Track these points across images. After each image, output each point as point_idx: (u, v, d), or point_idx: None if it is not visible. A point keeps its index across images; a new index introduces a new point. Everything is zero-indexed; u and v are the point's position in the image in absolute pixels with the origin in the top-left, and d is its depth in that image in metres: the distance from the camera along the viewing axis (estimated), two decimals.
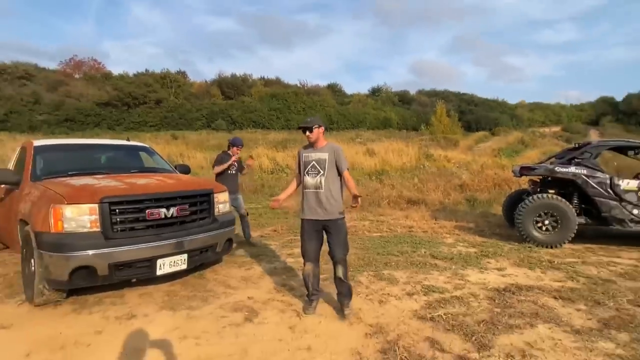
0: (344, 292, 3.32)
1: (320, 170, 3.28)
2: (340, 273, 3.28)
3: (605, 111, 60.58)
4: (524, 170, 6.26)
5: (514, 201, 6.68)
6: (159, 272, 3.62)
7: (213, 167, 5.58)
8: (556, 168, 5.86)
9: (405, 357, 2.67)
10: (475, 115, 52.75)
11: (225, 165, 5.42)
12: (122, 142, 5.60)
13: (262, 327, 3.18)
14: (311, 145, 3.40)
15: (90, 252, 3.27)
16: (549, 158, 6.77)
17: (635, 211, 5.51)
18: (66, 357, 2.71)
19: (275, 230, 6.92)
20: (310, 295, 3.45)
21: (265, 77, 56.41)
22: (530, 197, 5.83)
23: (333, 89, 57.18)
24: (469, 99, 60.36)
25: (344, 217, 3.37)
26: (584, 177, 5.68)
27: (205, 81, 52.77)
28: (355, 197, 3.20)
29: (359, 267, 4.66)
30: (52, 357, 2.70)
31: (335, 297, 3.49)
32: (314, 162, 3.31)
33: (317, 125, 3.32)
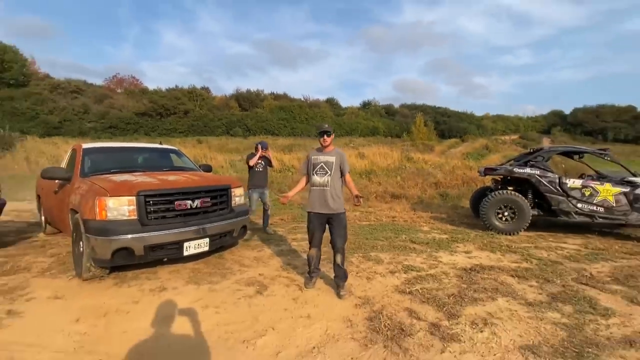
0: (340, 276, 3.26)
1: (328, 171, 3.20)
2: (338, 260, 3.23)
3: (556, 122, 60.27)
4: (488, 171, 6.25)
5: (479, 196, 6.67)
6: (185, 253, 3.62)
7: (247, 162, 5.62)
8: (514, 169, 5.86)
9: (388, 324, 2.68)
10: (448, 125, 52.53)
11: (256, 158, 5.50)
12: (156, 145, 5.56)
13: (270, 298, 3.18)
14: (321, 149, 3.31)
15: (129, 236, 3.27)
16: (509, 161, 6.76)
17: (579, 205, 5.51)
18: (109, 323, 2.71)
19: (282, 219, 6.91)
20: (311, 272, 3.43)
21: (275, 92, 55.90)
22: (493, 193, 5.83)
23: (331, 102, 56.74)
24: (443, 112, 59.98)
25: (345, 212, 3.30)
26: (537, 176, 5.67)
27: (225, 95, 52.33)
28: (357, 196, 3.17)
29: (351, 250, 4.65)
30: (97, 323, 2.71)
31: (331, 275, 3.47)
32: (322, 163, 3.24)
33: (332, 132, 3.28)
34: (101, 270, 3.50)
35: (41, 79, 40.66)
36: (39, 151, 17.78)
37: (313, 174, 3.27)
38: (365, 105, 58.72)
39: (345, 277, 3.30)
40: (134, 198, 3.37)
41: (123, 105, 38.90)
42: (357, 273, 3.81)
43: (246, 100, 48.74)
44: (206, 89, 50.78)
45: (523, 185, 5.93)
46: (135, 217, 3.36)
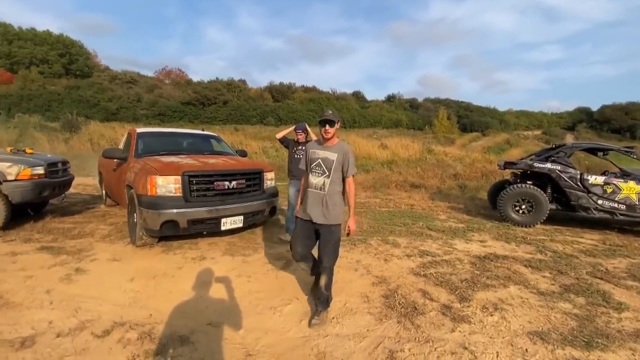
0: (322, 300, 2.41)
1: (326, 171, 2.35)
2: (322, 283, 2.41)
3: (581, 119, 56.01)
4: (508, 165, 5.96)
5: (498, 189, 6.40)
6: (222, 228, 3.74)
7: (281, 142, 4.59)
8: (535, 164, 5.55)
9: (402, 302, 2.68)
10: (470, 120, 50.12)
11: (284, 132, 4.64)
12: (199, 131, 5.71)
13: (295, 272, 3.25)
14: (321, 141, 2.44)
15: (175, 210, 3.43)
16: (529, 156, 6.40)
17: (599, 201, 5.15)
18: (157, 283, 2.91)
19: None
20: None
21: (305, 85, 55.64)
22: (512, 186, 5.57)
23: (356, 95, 55.69)
24: (466, 106, 57.30)
25: (339, 225, 2.40)
26: (557, 171, 5.35)
27: (260, 87, 52.55)
28: (348, 228, 2.38)
29: (371, 233, 4.65)
30: (148, 283, 2.91)
31: (350, 255, 3.46)
32: (319, 160, 2.37)
33: (338, 120, 2.36)
34: (151, 239, 3.71)
35: (102, 70, 42.83)
36: (100, 134, 18.89)
37: (309, 172, 2.44)
38: (390, 99, 57.20)
39: (327, 304, 2.44)
40: (179, 177, 3.52)
41: (170, 95, 40.22)
42: (375, 255, 3.81)
43: (278, 92, 48.83)
44: (243, 81, 51.31)
45: (542, 179, 5.61)
46: (180, 195, 3.52)
